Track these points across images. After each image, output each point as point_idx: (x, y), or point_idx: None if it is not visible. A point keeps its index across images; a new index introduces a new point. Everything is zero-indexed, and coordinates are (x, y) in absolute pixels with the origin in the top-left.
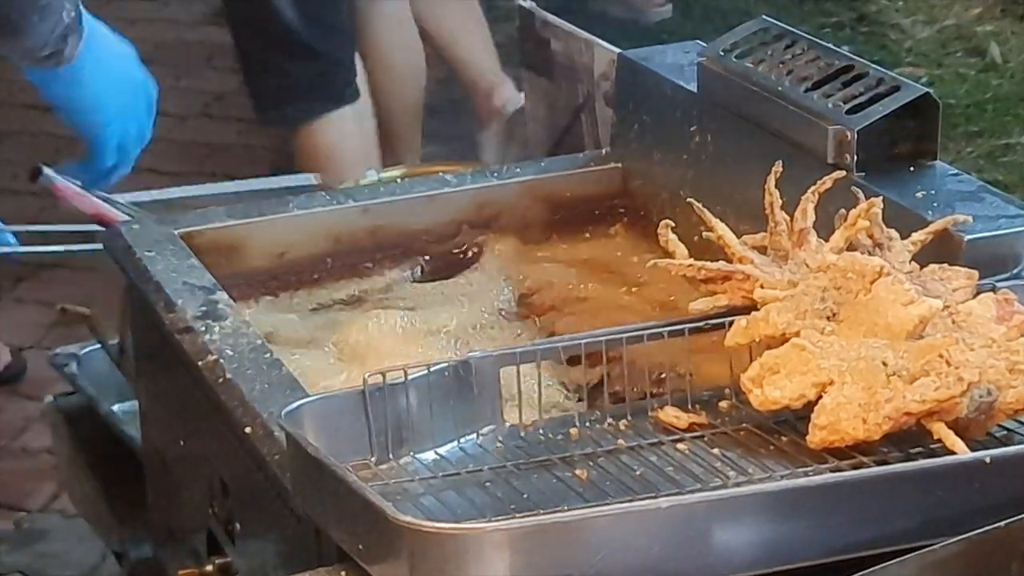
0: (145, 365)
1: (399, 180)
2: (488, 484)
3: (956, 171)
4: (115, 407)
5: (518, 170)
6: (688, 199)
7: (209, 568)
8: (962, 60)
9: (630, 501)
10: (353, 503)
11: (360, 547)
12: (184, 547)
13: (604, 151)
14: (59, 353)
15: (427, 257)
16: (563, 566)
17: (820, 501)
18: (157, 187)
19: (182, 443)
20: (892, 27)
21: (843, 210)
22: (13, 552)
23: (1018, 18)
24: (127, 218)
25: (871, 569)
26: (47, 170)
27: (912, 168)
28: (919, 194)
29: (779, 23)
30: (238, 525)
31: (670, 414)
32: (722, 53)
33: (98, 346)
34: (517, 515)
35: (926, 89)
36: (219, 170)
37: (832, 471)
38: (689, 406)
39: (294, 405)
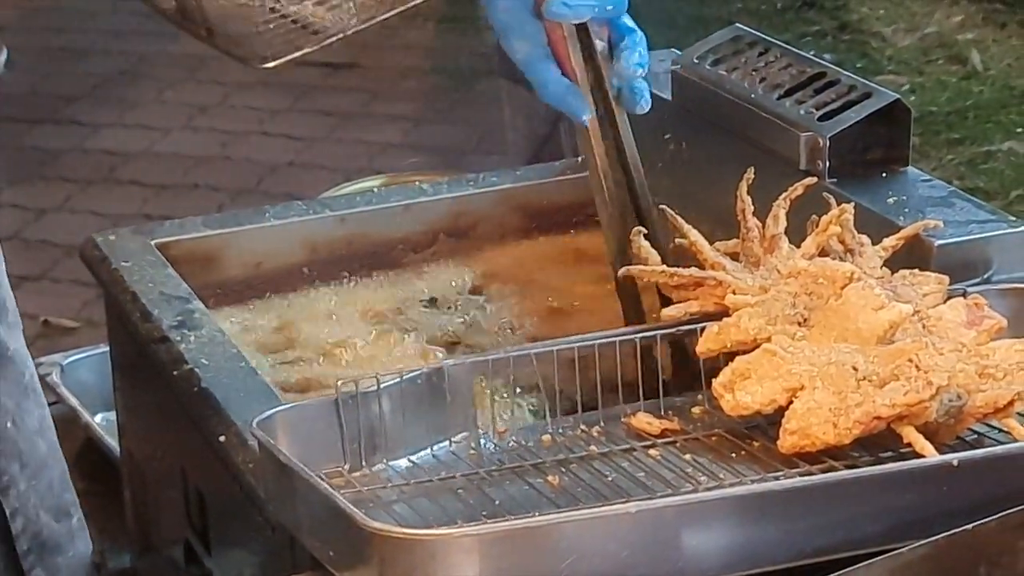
0: (122, 375)
1: (375, 189)
2: (460, 491)
3: (927, 177)
4: (99, 416)
5: (495, 179)
6: (661, 206)
7: None
8: (943, 68)
9: (600, 506)
10: (323, 510)
11: (331, 554)
12: (162, 558)
13: (580, 159)
14: (43, 362)
15: None
16: (532, 571)
17: (788, 505)
18: (140, 198)
19: (159, 453)
20: (873, 35)
21: (815, 216)
22: None
23: (999, 26)
24: None
25: (838, 573)
26: None
27: (884, 174)
28: (891, 200)
29: (753, 31)
30: (214, 535)
31: (642, 420)
32: (696, 61)
33: (83, 355)
34: (487, 521)
35: (897, 95)
36: (202, 181)
37: (802, 475)
38: (662, 412)
39: (266, 413)
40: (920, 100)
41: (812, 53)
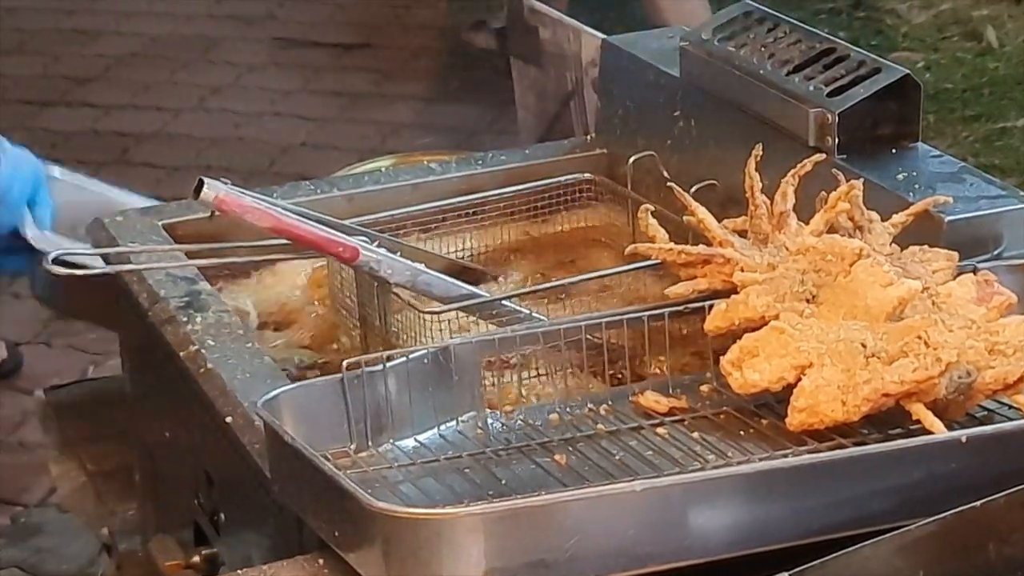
0: (130, 357)
1: (383, 169)
2: (467, 471)
3: (937, 152)
4: None
5: (503, 158)
6: (669, 183)
7: (196, 559)
8: (958, 44)
9: (605, 485)
10: (328, 490)
11: (336, 534)
12: (172, 539)
13: (589, 137)
14: None
15: None
16: (537, 550)
17: (794, 483)
18: (152, 180)
19: (167, 435)
20: (888, 12)
21: (824, 192)
22: (10, 547)
23: (1014, 1)
24: (321, 230)
25: (845, 551)
26: (211, 181)
27: (894, 150)
28: (900, 176)
29: (761, 7)
30: (223, 516)
31: (650, 399)
32: (704, 37)
33: None
34: (492, 500)
35: (907, 71)
36: (214, 163)
37: (810, 453)
38: (669, 390)
39: (272, 393)
40: (935, 77)
41: (826, 31)
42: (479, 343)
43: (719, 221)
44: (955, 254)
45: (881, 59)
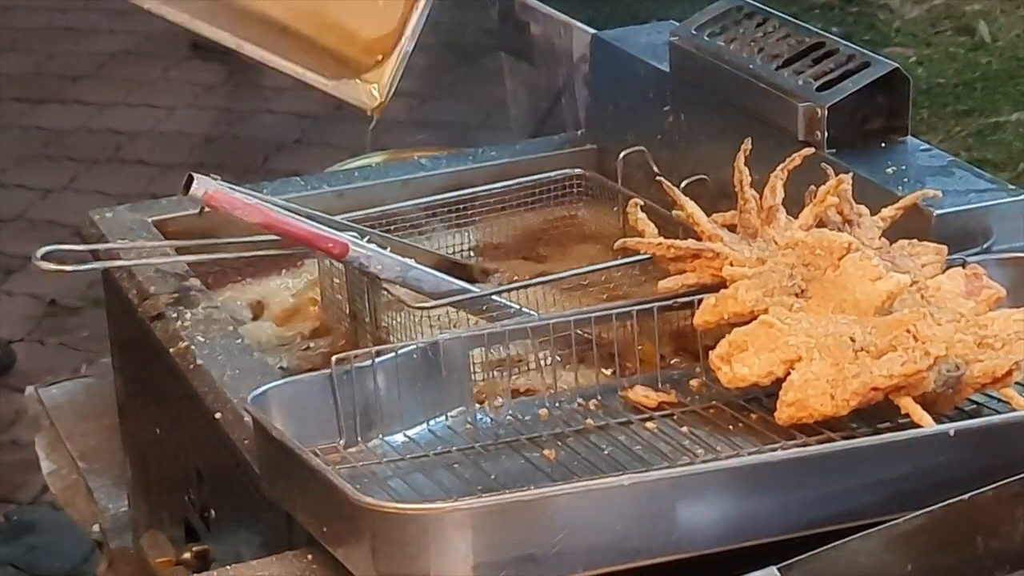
0: (121, 354)
1: (374, 165)
2: (456, 466)
3: (927, 146)
4: None
5: (493, 153)
6: (659, 177)
7: (186, 556)
8: (951, 39)
9: (594, 479)
10: (316, 486)
11: (324, 530)
12: (163, 535)
13: (579, 132)
14: None
15: None
16: (525, 545)
17: (783, 477)
18: (145, 178)
19: (158, 432)
20: (881, 7)
21: (813, 187)
22: (3, 545)
23: None
24: (311, 225)
25: (834, 544)
26: (200, 177)
27: (883, 144)
28: (889, 170)
29: (751, 1)
30: (213, 512)
31: (639, 393)
32: (694, 32)
33: None
34: (480, 495)
35: (896, 64)
36: (208, 160)
37: (799, 447)
38: (659, 385)
39: (260, 389)
40: (928, 72)
41: (819, 26)
42: (468, 338)
43: (708, 215)
44: (944, 248)
45: (870, 53)
